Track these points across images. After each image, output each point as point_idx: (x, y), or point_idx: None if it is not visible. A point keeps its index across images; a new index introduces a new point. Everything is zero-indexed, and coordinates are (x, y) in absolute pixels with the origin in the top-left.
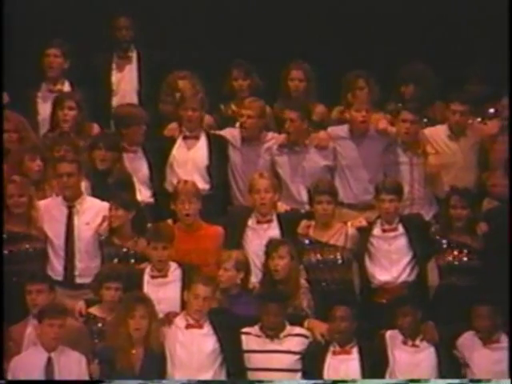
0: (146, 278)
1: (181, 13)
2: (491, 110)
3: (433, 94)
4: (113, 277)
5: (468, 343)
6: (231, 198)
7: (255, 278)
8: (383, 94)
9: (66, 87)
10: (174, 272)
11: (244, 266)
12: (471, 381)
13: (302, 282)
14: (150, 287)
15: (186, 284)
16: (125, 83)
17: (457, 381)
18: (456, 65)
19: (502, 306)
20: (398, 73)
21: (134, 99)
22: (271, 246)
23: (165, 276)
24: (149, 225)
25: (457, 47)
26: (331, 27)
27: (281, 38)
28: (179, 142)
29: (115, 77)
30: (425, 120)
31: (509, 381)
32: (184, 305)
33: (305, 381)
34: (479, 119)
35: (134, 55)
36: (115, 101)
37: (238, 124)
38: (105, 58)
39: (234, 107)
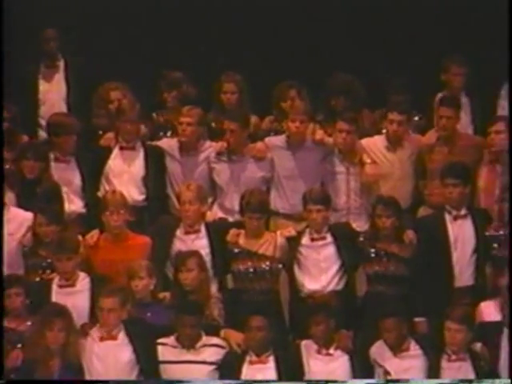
0: (54, 287)
1: (109, 23)
2: (416, 118)
3: (361, 104)
4: (15, 285)
5: (379, 352)
6: (169, 208)
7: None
8: (313, 104)
9: None
10: (83, 281)
11: (150, 274)
12: (388, 381)
13: (213, 291)
14: (57, 296)
15: (95, 295)
16: (53, 93)
17: (373, 380)
18: (386, 75)
19: (421, 314)
20: (326, 83)
21: (63, 109)
22: (179, 259)
23: (72, 285)
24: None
25: (386, 57)
26: (262, 37)
27: (213, 48)
28: (115, 152)
29: (43, 86)
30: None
31: (509, 380)
32: (93, 315)
33: (220, 381)
34: (411, 131)
35: (61, 64)
36: (43, 110)
37: (169, 133)
38: (32, 68)
39: (166, 116)
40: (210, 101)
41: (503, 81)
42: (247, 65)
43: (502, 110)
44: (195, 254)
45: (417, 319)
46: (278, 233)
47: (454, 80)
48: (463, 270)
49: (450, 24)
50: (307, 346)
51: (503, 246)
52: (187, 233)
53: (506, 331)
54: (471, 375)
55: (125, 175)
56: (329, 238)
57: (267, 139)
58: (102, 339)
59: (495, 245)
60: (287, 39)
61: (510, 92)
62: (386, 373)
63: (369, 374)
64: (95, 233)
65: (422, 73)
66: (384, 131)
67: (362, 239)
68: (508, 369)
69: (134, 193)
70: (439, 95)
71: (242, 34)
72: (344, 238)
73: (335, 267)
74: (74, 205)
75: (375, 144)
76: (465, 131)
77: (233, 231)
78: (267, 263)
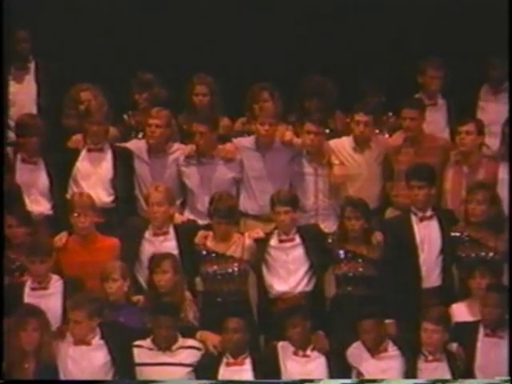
0: (27, 290)
1: (81, 25)
2: (391, 120)
3: (334, 106)
4: None
5: (357, 353)
6: (137, 210)
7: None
8: (286, 106)
9: None
10: (55, 284)
11: (124, 276)
12: (363, 381)
13: (187, 294)
14: (30, 299)
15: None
16: (23, 94)
17: (349, 381)
18: (356, 77)
19: (389, 315)
20: (300, 85)
21: (33, 110)
22: (154, 261)
23: (45, 288)
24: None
25: (356, 59)
26: (235, 39)
27: (185, 50)
28: (83, 154)
29: (13, 88)
30: (327, 131)
31: (509, 379)
32: (65, 317)
33: (197, 381)
34: (378, 131)
35: (32, 66)
36: (13, 112)
37: (141, 135)
38: (2, 70)
39: (137, 118)
40: (181, 103)
41: (481, 83)
42: (220, 67)
43: (482, 111)
44: (170, 256)
45: (387, 321)
46: (246, 234)
47: (430, 82)
48: (430, 271)
49: (427, 26)
50: (284, 348)
51: (469, 246)
52: (156, 234)
53: (481, 331)
54: (447, 375)
55: (93, 177)
56: (297, 240)
57: (236, 140)
58: (76, 343)
59: (460, 245)
60: (261, 41)
61: (510, 92)
62: (359, 374)
63: (346, 374)
64: (63, 235)
65: (399, 75)
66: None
67: (330, 241)
68: (508, 369)
69: (102, 194)
70: (416, 97)
71: (215, 36)
72: (312, 239)
73: (304, 269)
74: (41, 206)
75: (343, 145)
76: (441, 133)
77: (201, 233)
78: (235, 265)
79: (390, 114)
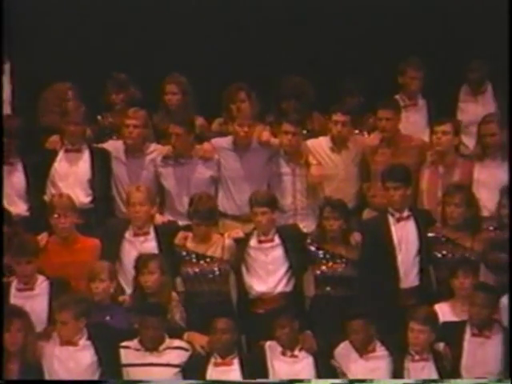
0: (13, 291)
1: (56, 24)
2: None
3: (311, 106)
4: None
5: (345, 353)
6: (115, 210)
7: (129, 290)
8: (263, 106)
9: None
10: (41, 285)
11: (112, 277)
12: (353, 381)
13: (174, 295)
14: (16, 300)
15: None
16: None
17: (337, 380)
18: (334, 77)
19: (375, 316)
20: (277, 85)
21: (8, 111)
22: (141, 262)
23: (31, 289)
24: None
25: (335, 60)
26: (211, 40)
27: (161, 49)
28: (61, 154)
29: None
30: (304, 131)
31: (509, 381)
32: (51, 317)
33: (185, 381)
34: (357, 131)
35: (7, 67)
36: None
37: (115, 136)
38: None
39: (112, 119)
40: (155, 103)
41: (460, 84)
42: (197, 67)
43: (461, 112)
44: (156, 256)
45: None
46: (226, 235)
47: (410, 83)
48: (408, 271)
49: (407, 27)
50: (271, 348)
51: (446, 247)
52: (136, 235)
53: (468, 331)
54: (434, 375)
55: (70, 178)
56: (276, 240)
57: (213, 140)
58: (62, 344)
59: (437, 245)
60: (239, 41)
61: (510, 92)
62: (343, 374)
63: (333, 375)
64: (44, 236)
65: (380, 75)
66: None
67: (309, 241)
68: (508, 369)
69: (80, 195)
70: (396, 97)
71: (192, 35)
72: (292, 240)
73: (283, 269)
74: (17, 208)
75: (320, 145)
76: (421, 134)
77: (181, 234)
78: (216, 265)
79: (368, 114)
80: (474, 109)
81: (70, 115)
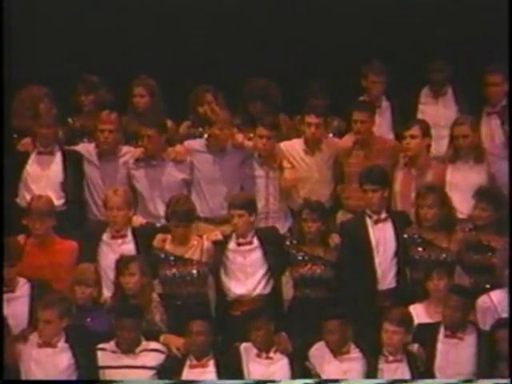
0: None
1: (26, 27)
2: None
3: (278, 108)
4: None
5: (319, 354)
6: (87, 213)
7: (108, 293)
8: (230, 108)
9: None
10: (23, 287)
11: (97, 280)
12: (326, 381)
13: (154, 296)
14: None
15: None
16: None
17: (310, 381)
18: (299, 79)
19: (352, 317)
20: (244, 88)
21: None
22: (122, 263)
23: (12, 291)
24: None
25: (300, 62)
26: (178, 42)
27: (128, 52)
28: (33, 157)
29: None
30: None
31: (509, 380)
32: (32, 320)
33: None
34: (331, 135)
35: None
36: None
37: (86, 138)
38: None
39: (82, 121)
40: (124, 104)
41: (422, 86)
42: (163, 69)
43: (421, 114)
44: (137, 258)
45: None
46: (205, 237)
47: (372, 87)
48: (385, 273)
49: (370, 29)
50: (247, 350)
51: (423, 248)
52: (114, 237)
53: (441, 332)
54: (408, 376)
55: (43, 180)
56: (255, 243)
57: (186, 142)
58: (40, 346)
59: (414, 247)
60: (204, 43)
61: (509, 93)
62: (317, 375)
63: (308, 376)
64: (21, 238)
65: (344, 77)
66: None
67: (288, 243)
68: (508, 369)
69: (53, 198)
70: (360, 99)
71: (158, 38)
72: (270, 242)
73: (261, 271)
74: None
75: (294, 147)
76: (386, 135)
77: (159, 236)
78: (194, 268)
79: (336, 116)
80: (435, 111)
81: (41, 118)
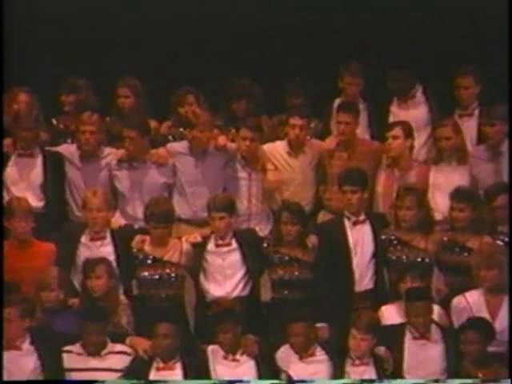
0: None
1: (7, 28)
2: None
3: (260, 109)
4: None
5: (285, 356)
6: (69, 214)
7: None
8: (212, 109)
9: None
10: None
11: (60, 283)
12: (293, 381)
13: (122, 298)
14: None
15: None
16: None
17: (276, 381)
18: (279, 80)
19: (324, 319)
20: (227, 87)
21: None
22: (88, 266)
23: None
24: None
25: (283, 62)
26: (160, 43)
27: (113, 53)
28: (13, 159)
29: None
30: None
31: (509, 381)
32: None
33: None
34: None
35: None
36: None
37: (69, 139)
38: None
39: (65, 122)
40: (108, 106)
41: (391, 93)
42: (146, 70)
43: (394, 117)
44: (104, 260)
45: (318, 324)
46: (184, 239)
47: (348, 88)
48: (363, 275)
49: (347, 31)
50: (214, 352)
51: (400, 249)
52: (93, 239)
53: (408, 333)
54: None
55: (23, 182)
56: (234, 245)
57: (169, 145)
58: (6, 348)
59: (391, 248)
60: (185, 44)
61: (510, 94)
62: (289, 377)
63: (275, 378)
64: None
65: (320, 79)
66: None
67: (266, 245)
68: (508, 369)
69: (33, 199)
70: (337, 101)
71: (140, 39)
72: (249, 244)
73: (240, 273)
74: None
75: (277, 149)
76: (362, 137)
77: (138, 238)
78: (172, 270)
79: (315, 118)
80: (405, 115)
81: (21, 120)
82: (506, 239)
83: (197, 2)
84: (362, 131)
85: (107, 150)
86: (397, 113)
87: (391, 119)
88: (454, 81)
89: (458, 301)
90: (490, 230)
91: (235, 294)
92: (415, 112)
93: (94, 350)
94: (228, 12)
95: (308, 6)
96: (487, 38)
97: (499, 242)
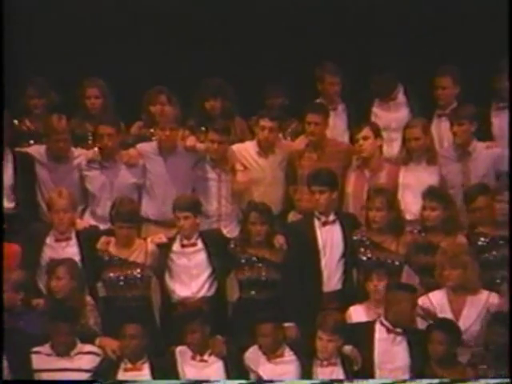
0: None
1: None
2: (293, 125)
3: (233, 110)
4: None
5: (253, 357)
6: (40, 215)
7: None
8: (184, 110)
9: None
10: None
11: (22, 284)
12: (262, 381)
13: (88, 300)
14: None
15: None
16: None
17: (245, 381)
18: (257, 80)
19: (290, 319)
20: (199, 88)
21: None
22: (49, 267)
23: None
24: None
25: (262, 63)
26: (130, 43)
27: (78, 53)
28: None
29: None
30: None
31: (509, 380)
32: None
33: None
34: (288, 138)
35: None
36: None
37: (33, 140)
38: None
39: (30, 123)
40: (73, 107)
41: (372, 95)
42: (114, 70)
43: (375, 117)
44: (66, 261)
45: (286, 324)
46: (149, 240)
47: (328, 88)
48: (331, 275)
49: (327, 32)
50: (182, 353)
51: (371, 250)
52: (58, 240)
53: (377, 330)
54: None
55: None
56: (199, 245)
57: (139, 146)
58: None
59: (362, 249)
60: (157, 44)
61: (510, 94)
62: (259, 377)
63: (243, 379)
64: None
65: (300, 80)
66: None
67: (232, 245)
68: (508, 369)
69: (3, 201)
70: (318, 101)
71: (110, 39)
72: (215, 244)
73: (206, 273)
74: None
75: (247, 150)
76: (341, 137)
77: (103, 239)
78: (138, 270)
79: (293, 119)
80: (387, 116)
81: None
82: (487, 240)
83: (170, 1)
84: (341, 133)
85: (78, 151)
86: (379, 114)
87: (373, 119)
88: (433, 81)
89: (421, 301)
90: (468, 230)
91: (201, 294)
92: (397, 114)
93: (63, 351)
94: (203, 11)
95: (287, 6)
96: (467, 38)
97: (480, 243)
